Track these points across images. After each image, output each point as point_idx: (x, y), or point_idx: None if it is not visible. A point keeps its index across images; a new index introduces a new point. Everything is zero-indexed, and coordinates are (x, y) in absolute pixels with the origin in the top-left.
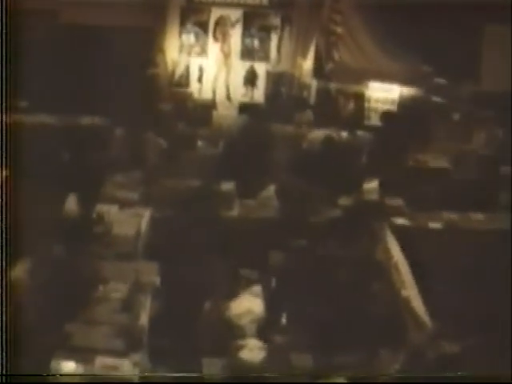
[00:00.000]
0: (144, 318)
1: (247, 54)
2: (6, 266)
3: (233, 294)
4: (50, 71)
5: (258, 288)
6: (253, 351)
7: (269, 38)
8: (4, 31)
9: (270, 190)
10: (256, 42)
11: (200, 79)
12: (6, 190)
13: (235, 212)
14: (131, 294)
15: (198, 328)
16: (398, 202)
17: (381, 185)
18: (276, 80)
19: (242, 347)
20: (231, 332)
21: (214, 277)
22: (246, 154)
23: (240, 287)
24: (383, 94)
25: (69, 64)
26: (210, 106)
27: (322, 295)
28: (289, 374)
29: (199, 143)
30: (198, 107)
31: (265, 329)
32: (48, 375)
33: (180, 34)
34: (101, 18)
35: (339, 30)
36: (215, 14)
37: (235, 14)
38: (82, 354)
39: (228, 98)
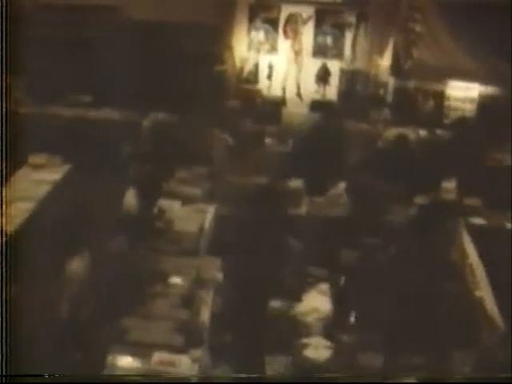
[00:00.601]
0: (205, 314)
1: (319, 51)
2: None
3: (300, 292)
4: (116, 67)
5: (325, 286)
6: (318, 350)
7: (343, 36)
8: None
9: (340, 187)
10: (329, 40)
11: (269, 76)
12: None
13: (304, 210)
14: (192, 289)
15: (262, 325)
16: (475, 201)
17: (458, 184)
18: (350, 78)
19: (307, 345)
20: (296, 330)
21: (281, 274)
22: (316, 152)
23: (308, 285)
24: (463, 92)
25: (134, 60)
26: (280, 103)
27: (392, 294)
28: (355, 374)
29: (267, 140)
30: (267, 104)
31: (331, 327)
32: (48, 375)
33: (249, 31)
34: (167, 15)
35: (418, 27)
36: (286, 11)
37: (307, 11)
38: (140, 349)
39: (299, 95)
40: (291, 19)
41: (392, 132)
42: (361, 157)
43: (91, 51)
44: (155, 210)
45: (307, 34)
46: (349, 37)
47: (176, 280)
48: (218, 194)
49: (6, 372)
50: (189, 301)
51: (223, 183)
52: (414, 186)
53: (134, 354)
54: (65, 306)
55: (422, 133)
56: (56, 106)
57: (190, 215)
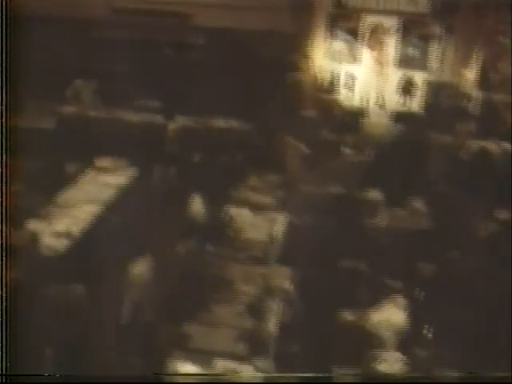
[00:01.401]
0: (272, 322)
1: (403, 62)
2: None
3: (374, 304)
4: (187, 73)
5: (401, 299)
6: (390, 363)
7: (427, 47)
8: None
9: (420, 200)
10: (414, 51)
11: (349, 86)
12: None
13: (381, 221)
14: (259, 298)
15: (332, 336)
16: None
17: None
18: (434, 89)
19: (378, 358)
20: (368, 342)
21: (355, 285)
22: (397, 163)
23: (382, 297)
24: None
25: (207, 66)
26: (360, 113)
27: (469, 309)
28: None
29: (345, 150)
30: (346, 114)
31: (406, 341)
32: (49, 375)
33: (327, 40)
34: (242, 22)
35: (504, 40)
36: (368, 21)
37: (391, 22)
38: (201, 355)
39: (380, 105)
40: (374, 29)
41: (475, 144)
42: (443, 169)
43: (163, 57)
44: (223, 217)
45: (391, 44)
46: (434, 48)
47: (242, 288)
48: (290, 202)
49: (6, 372)
50: (254, 309)
51: (296, 192)
52: (496, 200)
53: (195, 361)
54: (127, 309)
55: (506, 146)
56: (125, 110)
57: (260, 223)
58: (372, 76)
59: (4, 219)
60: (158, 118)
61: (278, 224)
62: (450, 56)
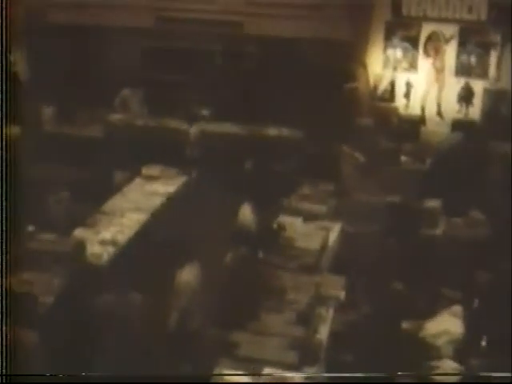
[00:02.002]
0: (323, 331)
1: (462, 70)
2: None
3: (431, 314)
4: (238, 81)
5: (458, 308)
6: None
7: (487, 55)
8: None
9: (479, 209)
10: (473, 59)
11: (407, 94)
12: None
13: (440, 230)
14: (310, 306)
15: (387, 346)
16: None
17: None
18: (494, 97)
19: (435, 368)
20: (425, 352)
21: (411, 295)
22: (454, 171)
23: (440, 307)
24: None
25: (257, 74)
26: (418, 121)
27: None
28: None
29: (403, 158)
30: (403, 122)
31: (462, 351)
32: (50, 375)
33: (385, 48)
34: (295, 30)
35: None
36: (427, 29)
37: (449, 30)
38: (249, 364)
39: (439, 114)
40: (433, 37)
41: None
42: (502, 177)
43: (213, 65)
44: (274, 226)
45: (450, 52)
46: (493, 56)
47: (293, 296)
48: (344, 211)
49: (6, 372)
50: (305, 318)
51: (351, 201)
52: None
53: (243, 369)
54: (175, 316)
55: None
56: (172, 119)
57: (313, 232)
58: (430, 84)
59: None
60: (208, 127)
61: (331, 233)
62: (509, 63)
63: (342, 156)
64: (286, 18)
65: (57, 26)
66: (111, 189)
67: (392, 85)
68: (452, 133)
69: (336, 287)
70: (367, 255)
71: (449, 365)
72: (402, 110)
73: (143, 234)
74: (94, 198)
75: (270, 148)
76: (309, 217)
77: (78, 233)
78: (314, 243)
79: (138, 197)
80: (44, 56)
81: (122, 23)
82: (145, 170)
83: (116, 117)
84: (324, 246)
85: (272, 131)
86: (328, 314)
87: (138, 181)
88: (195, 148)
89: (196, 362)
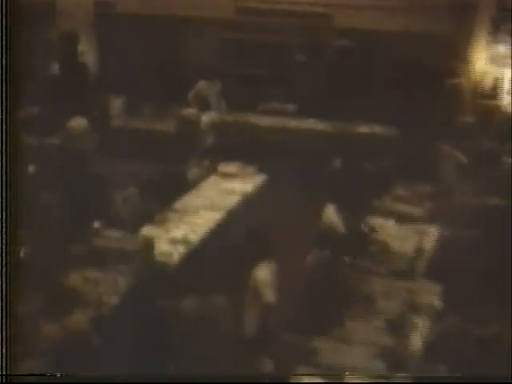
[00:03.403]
0: (416, 340)
1: None
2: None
3: None
4: (321, 75)
5: None
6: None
7: None
8: None
9: None
10: None
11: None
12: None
13: None
14: (402, 314)
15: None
16: None
17: None
18: None
19: None
20: None
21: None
22: None
23: None
24: None
25: (344, 69)
26: None
27: None
28: None
29: (505, 159)
30: (507, 121)
31: None
32: (50, 375)
33: (489, 43)
34: (391, 23)
35: None
36: None
37: None
38: (331, 372)
39: None
40: None
41: None
42: None
43: (296, 58)
44: (364, 228)
45: None
46: None
47: (383, 303)
48: (443, 214)
49: (5, 372)
50: (396, 326)
51: (449, 203)
52: None
53: (323, 377)
54: (250, 318)
55: None
56: (251, 114)
57: (407, 235)
58: None
59: None
60: (291, 123)
61: (427, 237)
62: None
63: (441, 155)
64: (386, 10)
65: (127, 16)
66: (183, 186)
67: (497, 82)
68: None
69: (432, 294)
70: (465, 261)
71: None
72: (507, 108)
73: (217, 233)
74: (164, 195)
75: (360, 146)
76: (403, 219)
77: (146, 230)
78: (407, 247)
79: (213, 195)
80: (114, 47)
81: (199, 13)
82: (221, 167)
83: (190, 111)
84: (419, 251)
85: (362, 129)
86: (421, 322)
87: (213, 178)
88: (276, 145)
89: (272, 366)
